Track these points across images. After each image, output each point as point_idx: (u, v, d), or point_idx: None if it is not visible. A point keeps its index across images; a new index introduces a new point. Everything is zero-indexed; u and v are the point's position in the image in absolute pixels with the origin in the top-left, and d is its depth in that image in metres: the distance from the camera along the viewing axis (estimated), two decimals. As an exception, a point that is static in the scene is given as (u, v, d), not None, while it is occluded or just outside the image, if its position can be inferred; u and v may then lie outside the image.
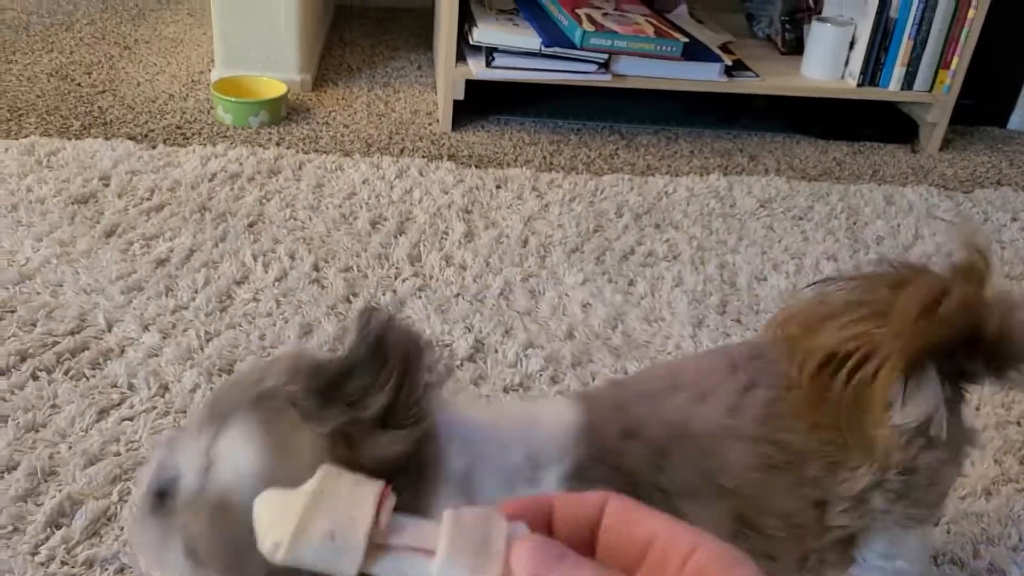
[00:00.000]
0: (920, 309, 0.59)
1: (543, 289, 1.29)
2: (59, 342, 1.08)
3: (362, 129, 1.77)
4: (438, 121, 1.82)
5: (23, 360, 1.04)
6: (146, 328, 1.12)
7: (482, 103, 1.84)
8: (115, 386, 1.03)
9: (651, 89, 1.78)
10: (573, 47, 1.69)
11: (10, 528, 0.84)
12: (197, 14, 2.34)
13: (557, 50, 1.69)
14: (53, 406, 0.99)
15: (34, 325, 1.10)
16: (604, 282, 1.32)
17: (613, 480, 0.58)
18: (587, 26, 1.69)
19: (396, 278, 1.28)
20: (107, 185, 1.44)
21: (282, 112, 1.77)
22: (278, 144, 1.67)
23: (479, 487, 0.53)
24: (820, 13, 1.90)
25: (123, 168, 1.50)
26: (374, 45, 2.24)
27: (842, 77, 1.85)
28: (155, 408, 1.00)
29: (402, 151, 1.69)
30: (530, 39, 1.71)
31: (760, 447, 0.62)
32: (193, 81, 1.92)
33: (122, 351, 1.08)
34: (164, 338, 1.11)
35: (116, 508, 0.87)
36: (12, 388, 1.00)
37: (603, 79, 1.73)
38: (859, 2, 1.81)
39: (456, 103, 1.77)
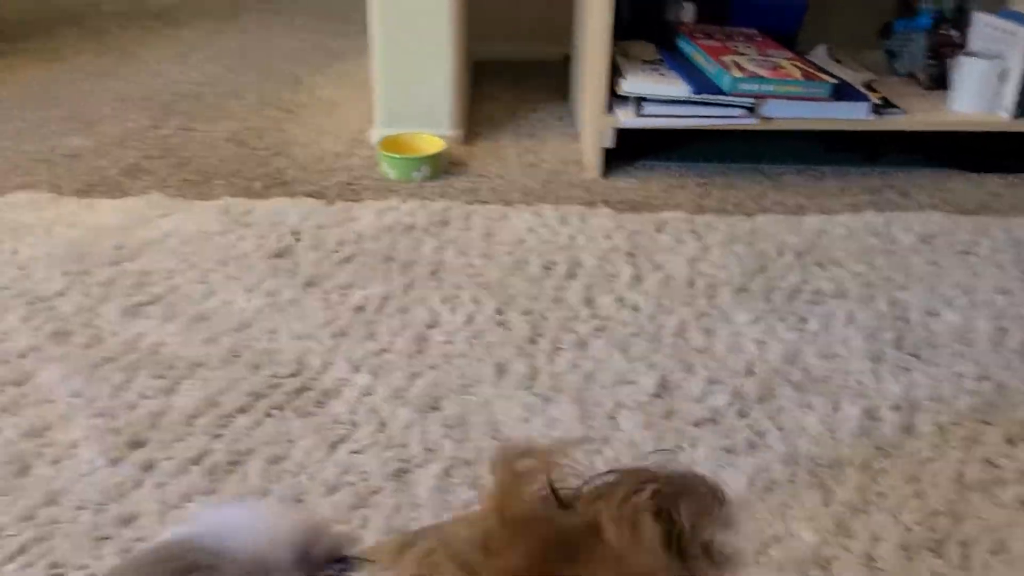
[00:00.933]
0: None
1: (716, 328, 1.33)
2: (284, 383, 1.19)
3: (516, 179, 1.87)
4: (587, 169, 1.90)
5: (257, 399, 1.15)
6: (357, 369, 1.22)
7: (627, 149, 1.91)
8: (339, 422, 1.12)
9: (795, 129, 1.81)
10: (722, 93, 1.75)
11: (273, 550, 0.93)
12: (347, 78, 2.51)
13: (706, 96, 1.75)
14: (289, 440, 1.09)
15: (259, 368, 1.22)
16: (775, 320, 1.35)
17: None
18: (735, 72, 1.75)
19: (575, 319, 1.35)
20: (299, 240, 1.57)
21: (442, 166, 1.89)
22: (442, 196, 1.77)
23: None
24: (966, 49, 1.91)
25: (310, 223, 1.62)
26: (514, 98, 2.35)
27: (993, 110, 1.84)
28: (377, 442, 1.09)
29: (558, 199, 1.77)
30: (678, 88, 1.77)
31: None
32: (354, 140, 2.06)
33: (339, 391, 1.18)
34: (375, 378, 1.20)
35: (360, 532, 0.96)
36: (252, 425, 1.11)
37: (751, 123, 1.78)
38: (1007, 36, 1.81)
39: (604, 150, 1.85)
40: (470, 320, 1.35)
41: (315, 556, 0.61)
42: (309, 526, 0.65)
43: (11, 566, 0.91)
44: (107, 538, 0.94)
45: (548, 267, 1.50)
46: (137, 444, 1.08)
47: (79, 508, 0.98)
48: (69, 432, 1.09)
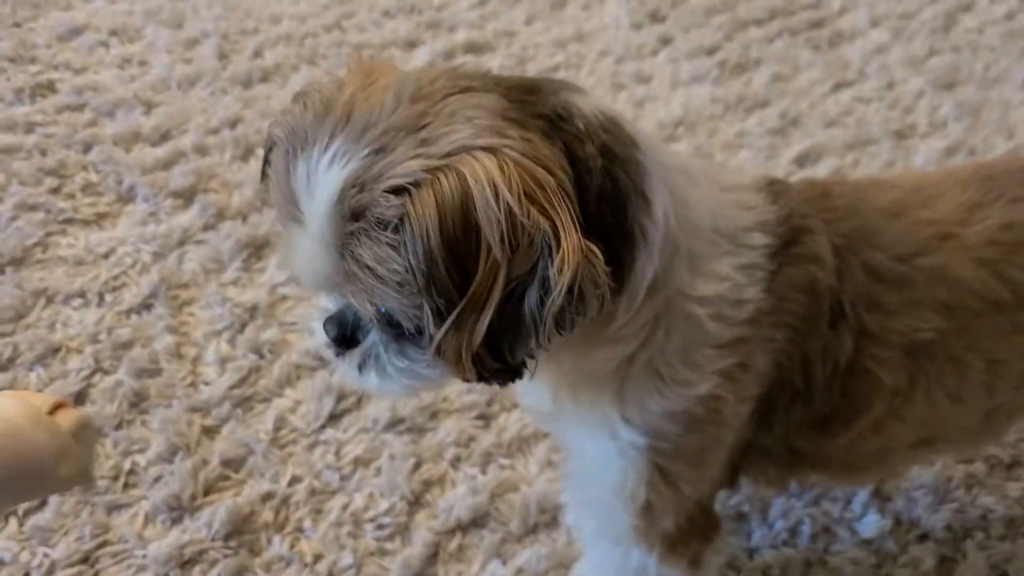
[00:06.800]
0: None
1: None
2: (800, 12, 1.16)
3: None
4: None
5: (773, 17, 1.14)
6: (875, 24, 1.15)
7: None
8: (848, 66, 1.09)
9: None
10: None
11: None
12: None
13: None
14: (795, 66, 1.08)
15: (777, -10, 1.19)
16: None
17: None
18: None
19: None
20: None
21: None
22: None
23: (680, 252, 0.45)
24: None
25: None
26: None
27: None
28: (882, 99, 1.05)
29: None
30: None
31: (983, 271, 0.49)
32: None
33: (853, 38, 1.13)
34: (893, 38, 1.13)
35: (850, 172, 0.96)
36: (764, 39, 1.11)
37: None
38: None
39: None
40: (1010, 16, 1.19)
41: None
42: None
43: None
44: (623, 87, 1.03)
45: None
46: (658, 19, 1.13)
47: (602, 54, 1.07)
48: (599, -13, 1.16)
